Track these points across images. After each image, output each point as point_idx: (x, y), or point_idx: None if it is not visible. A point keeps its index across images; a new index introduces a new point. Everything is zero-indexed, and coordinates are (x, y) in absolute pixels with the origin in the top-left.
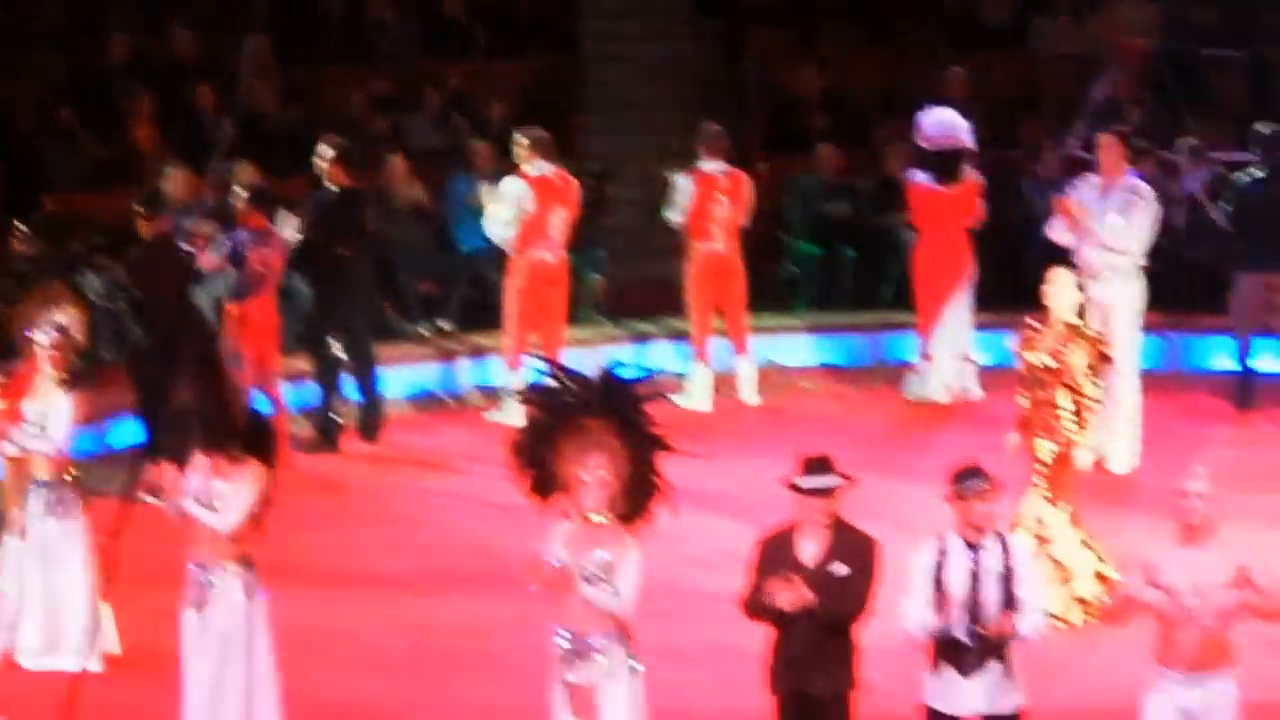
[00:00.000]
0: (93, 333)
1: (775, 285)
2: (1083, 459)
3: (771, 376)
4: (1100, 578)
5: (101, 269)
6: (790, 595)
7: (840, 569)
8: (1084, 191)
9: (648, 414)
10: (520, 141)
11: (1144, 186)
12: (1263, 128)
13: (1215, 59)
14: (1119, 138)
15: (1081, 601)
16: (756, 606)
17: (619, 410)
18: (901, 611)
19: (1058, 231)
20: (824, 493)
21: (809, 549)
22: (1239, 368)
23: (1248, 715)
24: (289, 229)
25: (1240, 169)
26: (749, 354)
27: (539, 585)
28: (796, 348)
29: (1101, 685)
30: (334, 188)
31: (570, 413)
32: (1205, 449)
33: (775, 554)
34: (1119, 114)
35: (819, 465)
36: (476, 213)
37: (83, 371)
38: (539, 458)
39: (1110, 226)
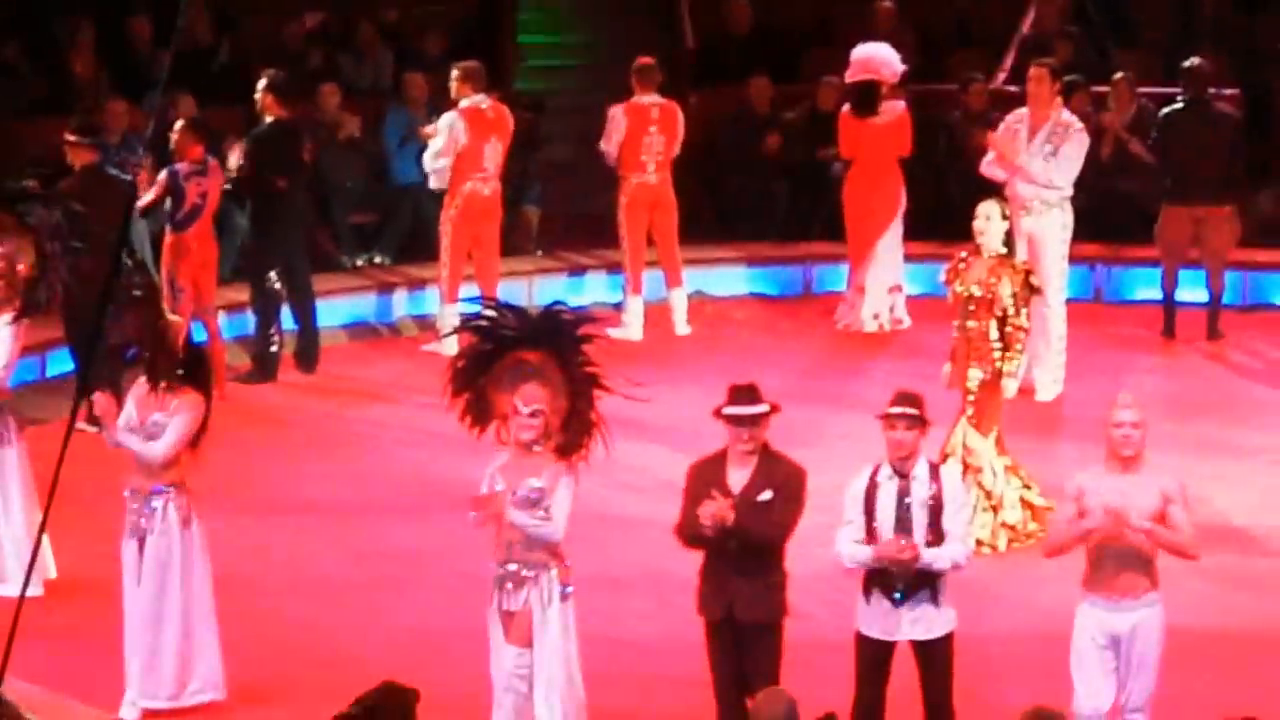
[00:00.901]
0: (41, 264)
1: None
2: (1010, 387)
3: (704, 307)
4: (1025, 504)
5: (52, 200)
6: (713, 512)
7: (766, 496)
8: (1013, 125)
9: (585, 352)
10: (453, 73)
11: (1073, 119)
12: (1189, 62)
13: None
14: (1048, 71)
15: (1008, 528)
16: (689, 532)
17: (557, 347)
18: (835, 539)
19: (989, 167)
20: (749, 420)
21: (738, 476)
22: (1164, 298)
23: (1173, 639)
24: (234, 160)
25: (1167, 103)
26: (682, 285)
27: (476, 513)
28: (729, 279)
29: (1030, 610)
30: (270, 120)
31: (508, 344)
32: (1130, 377)
33: (705, 481)
34: (1046, 48)
35: (746, 394)
36: (413, 145)
37: (30, 302)
38: (475, 386)
39: (1040, 159)
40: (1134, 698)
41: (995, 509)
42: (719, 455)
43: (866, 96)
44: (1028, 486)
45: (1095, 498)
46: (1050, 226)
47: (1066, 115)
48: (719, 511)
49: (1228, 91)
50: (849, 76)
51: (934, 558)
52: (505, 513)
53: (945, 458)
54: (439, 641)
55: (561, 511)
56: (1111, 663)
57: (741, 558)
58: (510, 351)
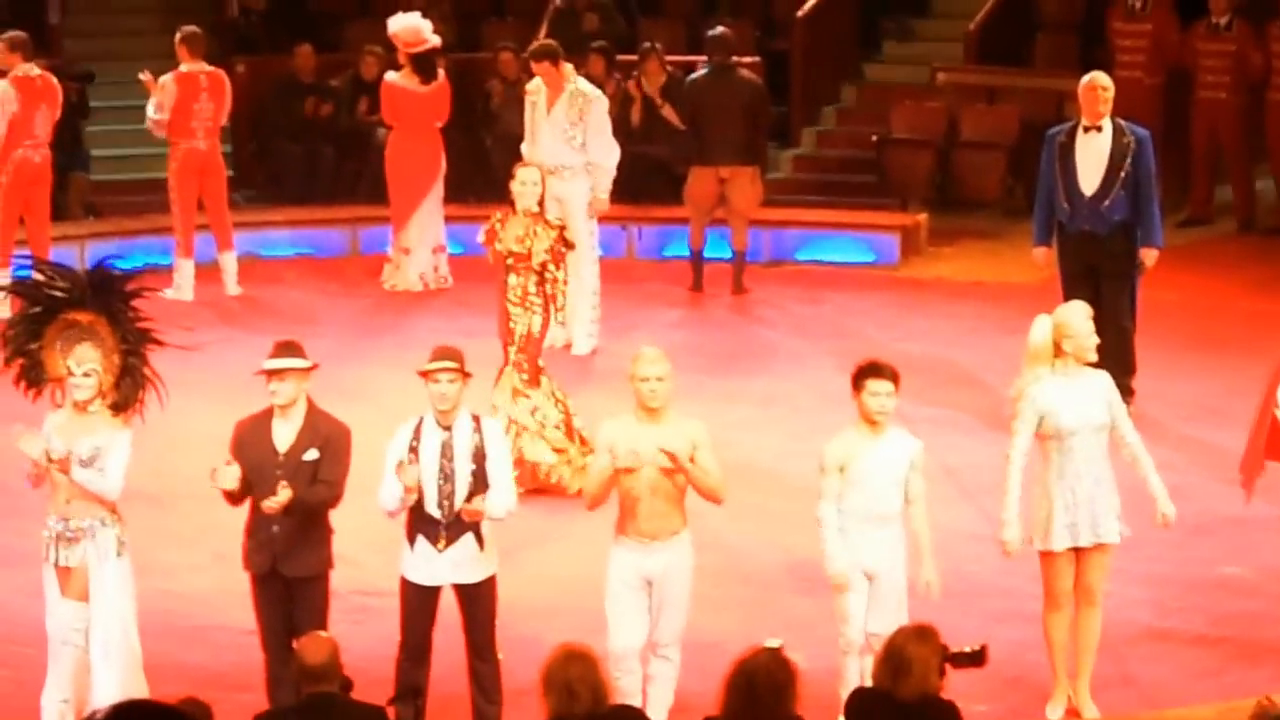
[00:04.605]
0: None
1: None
2: (549, 339)
3: (253, 268)
4: (560, 451)
5: None
6: (274, 505)
7: (312, 455)
8: (532, 96)
9: (134, 308)
10: None
11: (590, 88)
12: (713, 30)
13: None
14: (546, 54)
15: (541, 471)
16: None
17: (106, 305)
18: (379, 490)
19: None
20: (280, 374)
21: (283, 434)
22: (692, 255)
23: (700, 576)
24: None
25: (691, 70)
26: (232, 247)
27: (33, 471)
28: (278, 240)
29: (566, 553)
30: None
31: (58, 306)
32: (661, 331)
33: (251, 438)
34: (577, 18)
35: (285, 349)
36: None
37: None
38: (28, 351)
39: (562, 133)
40: (665, 634)
41: (523, 460)
42: (265, 414)
43: (429, 63)
44: (566, 435)
45: (626, 445)
46: (577, 191)
47: (583, 84)
48: (279, 504)
49: (749, 59)
50: (409, 45)
51: (489, 506)
52: (69, 471)
53: (494, 410)
54: None
55: (118, 467)
56: (645, 601)
57: (285, 514)
58: (60, 313)
